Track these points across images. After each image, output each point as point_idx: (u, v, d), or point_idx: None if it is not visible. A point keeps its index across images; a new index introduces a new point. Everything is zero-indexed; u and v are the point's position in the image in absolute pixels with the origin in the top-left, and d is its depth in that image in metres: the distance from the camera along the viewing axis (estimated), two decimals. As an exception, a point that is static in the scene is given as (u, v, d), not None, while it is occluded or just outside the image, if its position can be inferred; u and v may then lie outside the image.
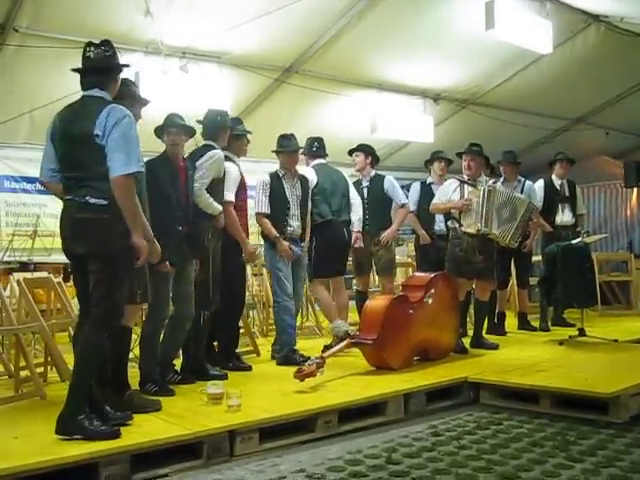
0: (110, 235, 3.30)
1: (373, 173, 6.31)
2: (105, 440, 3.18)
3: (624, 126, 10.43)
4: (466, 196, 5.73)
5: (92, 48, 3.49)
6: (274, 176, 5.47)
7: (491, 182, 5.89)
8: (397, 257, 7.93)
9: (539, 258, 7.34)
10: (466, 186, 5.79)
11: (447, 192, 5.85)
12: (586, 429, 3.84)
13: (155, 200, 4.01)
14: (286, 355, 5.30)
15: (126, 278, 3.42)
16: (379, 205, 6.23)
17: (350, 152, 6.37)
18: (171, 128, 4.48)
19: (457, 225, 5.77)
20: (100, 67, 3.48)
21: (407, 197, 6.56)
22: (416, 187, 6.85)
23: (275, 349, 5.55)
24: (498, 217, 5.69)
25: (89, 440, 3.18)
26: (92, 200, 3.30)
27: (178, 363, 4.78)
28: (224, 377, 4.60)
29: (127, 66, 3.63)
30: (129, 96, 3.87)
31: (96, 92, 3.44)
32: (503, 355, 5.58)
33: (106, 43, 3.53)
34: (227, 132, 5.04)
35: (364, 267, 6.39)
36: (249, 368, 5.15)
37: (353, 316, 6.36)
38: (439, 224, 6.57)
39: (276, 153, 5.55)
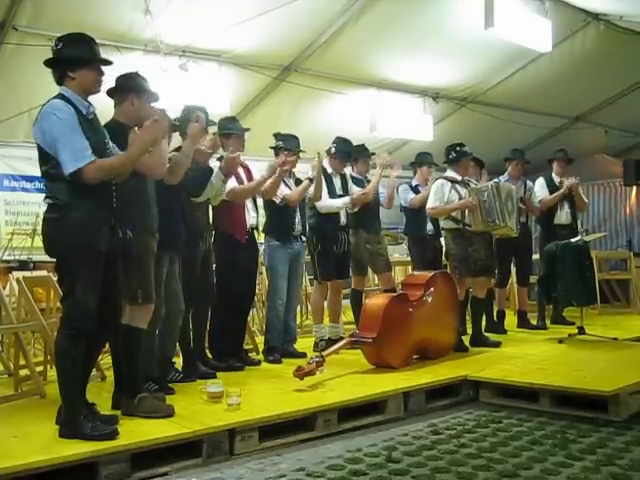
0: (57, 234, 3.24)
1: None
2: (103, 441, 3.16)
3: (623, 124, 10.42)
4: (463, 196, 5.76)
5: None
6: None
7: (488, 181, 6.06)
8: (396, 255, 7.92)
9: (538, 256, 7.35)
10: (458, 186, 5.82)
11: (443, 194, 5.81)
12: (586, 427, 3.85)
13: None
14: (266, 349, 5.45)
15: (80, 279, 3.19)
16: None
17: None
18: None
19: (461, 225, 5.78)
20: (49, 62, 3.36)
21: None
22: (407, 188, 6.72)
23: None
24: (507, 209, 5.79)
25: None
26: (46, 200, 3.30)
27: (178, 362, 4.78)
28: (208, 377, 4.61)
29: (76, 62, 3.29)
30: (137, 90, 3.76)
31: (60, 90, 3.32)
32: (503, 353, 5.58)
33: (64, 36, 3.31)
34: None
35: (365, 266, 6.34)
36: (258, 363, 5.25)
37: (348, 315, 6.34)
38: (429, 223, 6.55)
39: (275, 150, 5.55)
